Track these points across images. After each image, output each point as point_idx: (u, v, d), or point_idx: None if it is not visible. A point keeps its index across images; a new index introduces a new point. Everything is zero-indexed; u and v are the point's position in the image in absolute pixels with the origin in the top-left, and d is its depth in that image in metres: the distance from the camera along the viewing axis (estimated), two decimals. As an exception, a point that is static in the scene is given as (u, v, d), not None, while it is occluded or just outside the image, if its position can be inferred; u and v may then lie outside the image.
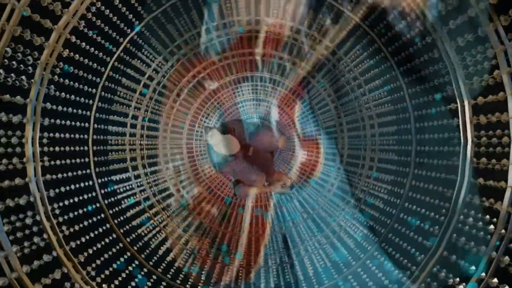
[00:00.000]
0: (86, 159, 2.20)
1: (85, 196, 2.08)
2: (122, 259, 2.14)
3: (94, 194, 2.19)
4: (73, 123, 2.03)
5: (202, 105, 3.38)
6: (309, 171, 3.17)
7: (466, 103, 1.67)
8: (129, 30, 2.22)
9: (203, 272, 2.58)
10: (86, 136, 2.22)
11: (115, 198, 2.38)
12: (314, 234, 2.80)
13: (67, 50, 1.75)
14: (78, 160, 2.10)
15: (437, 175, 2.05)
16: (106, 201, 2.27)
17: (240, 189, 2.97)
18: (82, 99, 2.09)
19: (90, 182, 2.19)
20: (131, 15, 2.15)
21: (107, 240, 2.10)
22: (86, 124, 2.20)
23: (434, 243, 1.80)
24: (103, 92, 2.25)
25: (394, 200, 2.33)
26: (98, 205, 2.19)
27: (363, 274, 2.23)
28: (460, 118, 1.70)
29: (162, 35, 2.42)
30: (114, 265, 2.02)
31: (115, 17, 2.04)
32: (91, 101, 2.17)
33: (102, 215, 2.20)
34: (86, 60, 2.00)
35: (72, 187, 1.99)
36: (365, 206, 2.50)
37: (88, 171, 2.21)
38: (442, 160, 1.94)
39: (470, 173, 1.70)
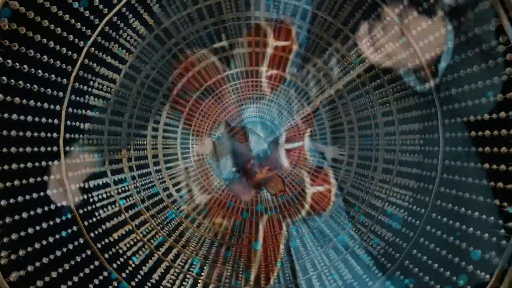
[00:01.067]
0: (56, 162, 1.87)
1: (52, 207, 1.74)
2: (97, 281, 1.80)
3: (65, 203, 1.85)
4: (36, 119, 1.69)
5: (200, 103, 3.05)
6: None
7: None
8: (106, 9, 1.89)
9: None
10: (56, 135, 1.88)
11: (93, 207, 2.03)
12: (322, 246, 2.47)
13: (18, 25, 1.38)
14: (44, 163, 1.77)
15: (468, 180, 1.71)
16: (80, 211, 1.93)
17: (235, 189, 2.74)
18: (49, 90, 1.76)
19: (60, 189, 1.86)
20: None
21: (78, 259, 1.76)
22: (56, 121, 1.87)
23: (476, 258, 1.44)
24: (76, 83, 1.91)
25: (418, 209, 1.99)
26: (70, 216, 1.86)
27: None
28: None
29: (146, 16, 2.08)
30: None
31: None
32: (61, 94, 1.84)
33: (75, 228, 1.87)
34: (52, 42, 1.67)
35: (35, 195, 1.65)
36: (383, 215, 2.17)
37: (58, 176, 1.87)
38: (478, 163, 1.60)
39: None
